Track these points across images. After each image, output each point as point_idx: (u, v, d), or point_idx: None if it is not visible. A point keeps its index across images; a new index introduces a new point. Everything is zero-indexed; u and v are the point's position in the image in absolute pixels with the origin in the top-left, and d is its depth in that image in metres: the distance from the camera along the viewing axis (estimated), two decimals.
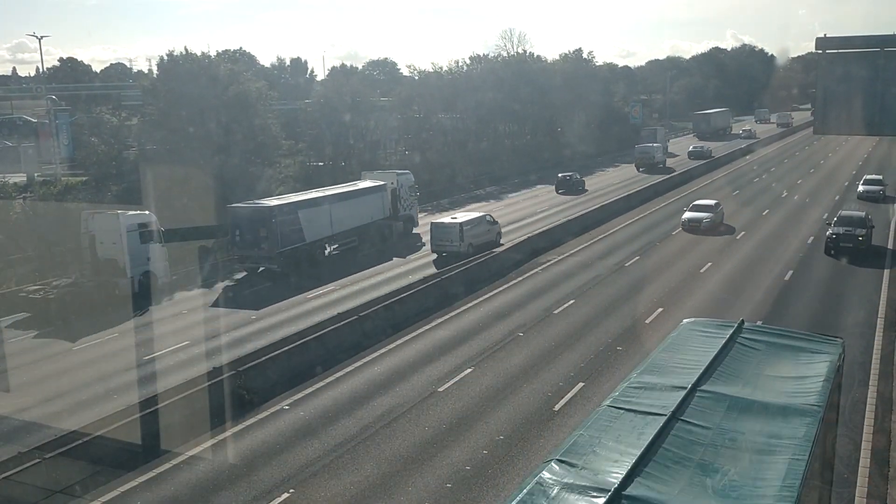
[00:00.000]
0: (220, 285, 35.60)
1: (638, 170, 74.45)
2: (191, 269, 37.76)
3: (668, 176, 67.06)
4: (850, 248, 34.66)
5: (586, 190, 62.49)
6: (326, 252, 40.35)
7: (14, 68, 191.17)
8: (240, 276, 36.87)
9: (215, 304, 32.37)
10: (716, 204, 44.76)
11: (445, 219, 40.85)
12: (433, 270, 35.59)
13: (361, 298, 30.60)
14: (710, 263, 35.41)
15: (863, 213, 37.51)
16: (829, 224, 36.62)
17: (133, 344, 26.43)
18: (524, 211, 53.34)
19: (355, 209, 41.43)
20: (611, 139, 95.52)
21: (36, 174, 54.00)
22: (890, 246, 38.05)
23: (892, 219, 42.02)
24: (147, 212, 34.22)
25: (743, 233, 42.46)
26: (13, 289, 33.70)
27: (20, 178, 51.65)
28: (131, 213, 33.49)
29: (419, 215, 47.81)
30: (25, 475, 16.25)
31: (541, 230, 43.18)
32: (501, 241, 41.07)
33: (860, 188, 53.97)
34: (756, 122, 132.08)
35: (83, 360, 25.62)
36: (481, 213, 42.18)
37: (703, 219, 42.61)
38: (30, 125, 74.43)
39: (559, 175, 63.59)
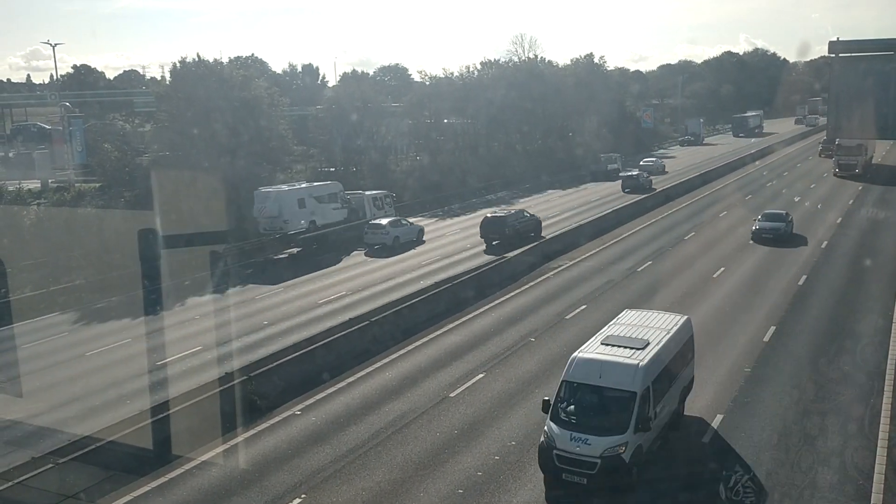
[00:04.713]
0: None
1: None
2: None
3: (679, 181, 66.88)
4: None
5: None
6: None
7: (28, 75, 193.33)
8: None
9: None
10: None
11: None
12: None
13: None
14: (723, 268, 35.19)
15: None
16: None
17: None
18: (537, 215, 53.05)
19: (755, 122, 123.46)
20: (623, 144, 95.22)
21: (50, 180, 54.46)
22: None
23: None
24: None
25: None
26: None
27: (34, 184, 52.08)
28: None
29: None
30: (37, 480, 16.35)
31: (553, 234, 43.12)
32: None
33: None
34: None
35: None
36: None
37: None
38: (44, 132, 75.16)
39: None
